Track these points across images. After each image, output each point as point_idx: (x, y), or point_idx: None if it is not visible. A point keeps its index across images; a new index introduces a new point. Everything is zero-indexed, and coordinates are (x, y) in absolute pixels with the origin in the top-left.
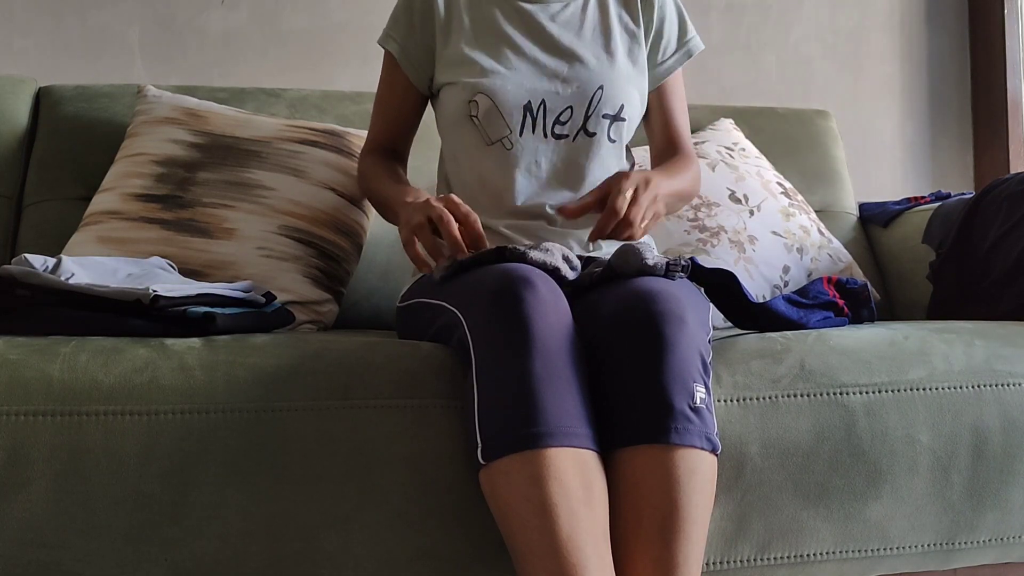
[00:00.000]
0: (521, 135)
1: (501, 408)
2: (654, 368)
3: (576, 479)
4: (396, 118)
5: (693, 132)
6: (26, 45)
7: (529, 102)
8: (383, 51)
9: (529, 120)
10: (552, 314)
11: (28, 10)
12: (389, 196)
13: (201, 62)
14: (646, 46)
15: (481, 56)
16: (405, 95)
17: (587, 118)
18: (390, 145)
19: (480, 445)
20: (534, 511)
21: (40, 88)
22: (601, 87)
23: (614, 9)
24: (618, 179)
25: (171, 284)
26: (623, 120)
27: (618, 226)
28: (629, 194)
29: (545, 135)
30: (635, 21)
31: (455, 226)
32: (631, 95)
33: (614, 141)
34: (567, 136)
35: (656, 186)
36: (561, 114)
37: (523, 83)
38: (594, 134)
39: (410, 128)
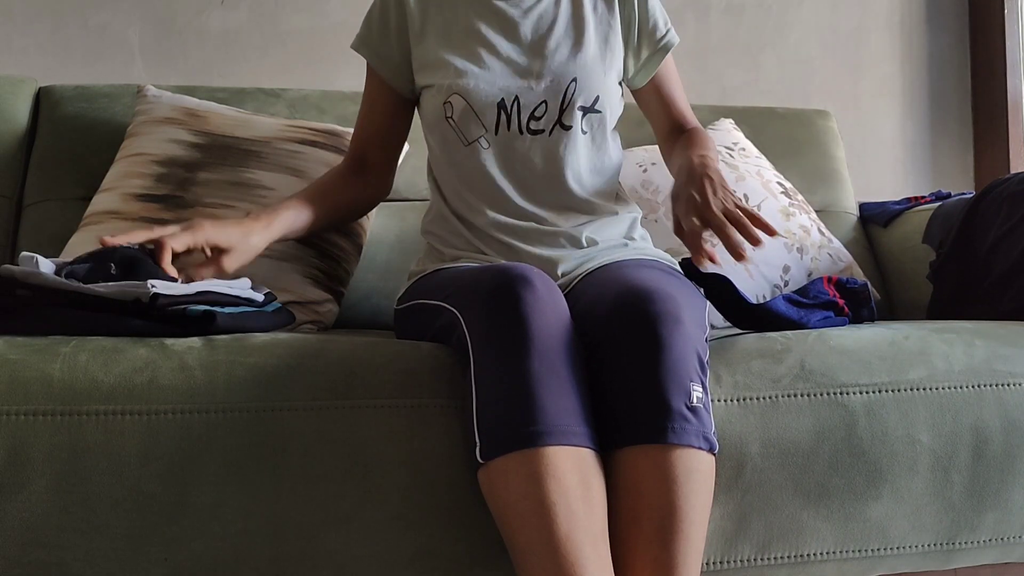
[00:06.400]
0: (497, 133)
1: (499, 407)
2: (650, 368)
3: (574, 477)
4: (371, 123)
5: None
6: (26, 45)
7: (503, 100)
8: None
9: (504, 118)
10: (550, 313)
11: (28, 10)
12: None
13: (201, 62)
14: (635, 34)
15: (454, 57)
16: (382, 98)
17: (562, 111)
18: (360, 154)
19: (478, 444)
20: (532, 510)
21: (40, 88)
22: (575, 79)
23: (588, 2)
24: (679, 197)
25: (171, 282)
26: (598, 112)
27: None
28: (698, 199)
29: (521, 131)
30: (612, 12)
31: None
32: (607, 86)
33: (585, 133)
34: (543, 131)
35: (707, 163)
36: (536, 109)
37: (496, 81)
38: (569, 127)
39: (386, 135)
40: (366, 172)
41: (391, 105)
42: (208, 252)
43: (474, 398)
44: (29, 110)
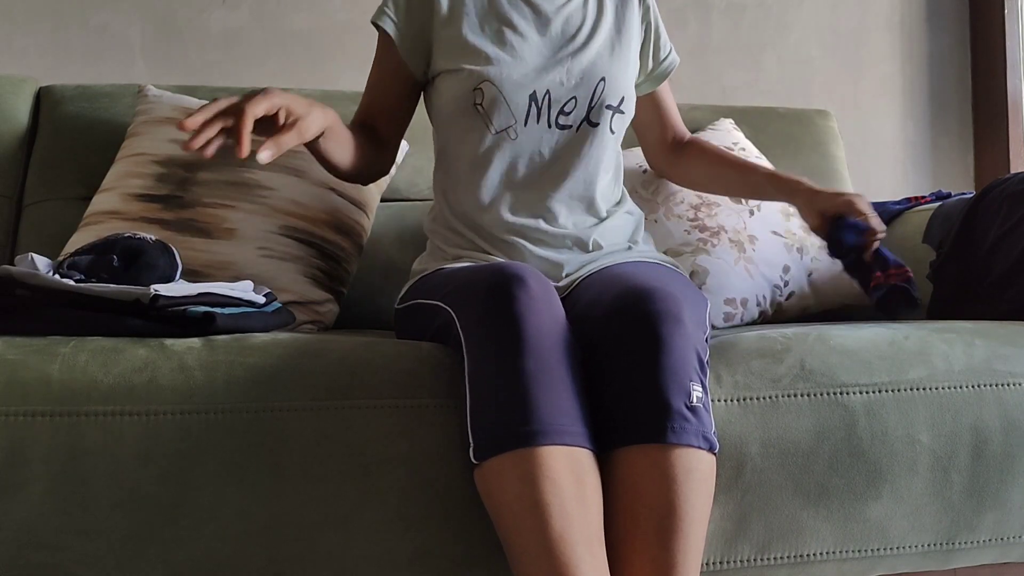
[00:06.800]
0: (526, 124)
1: (493, 407)
2: (650, 368)
3: (569, 477)
4: (381, 97)
5: (694, 132)
6: (26, 45)
7: (535, 91)
8: (375, 25)
9: (534, 110)
10: (545, 312)
11: (28, 10)
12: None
13: (202, 62)
14: (650, 45)
15: (486, 43)
16: (395, 76)
17: (591, 108)
18: (368, 124)
19: (472, 444)
20: (526, 510)
21: (40, 88)
22: (603, 79)
23: (610, 6)
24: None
25: (172, 284)
26: (623, 112)
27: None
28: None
29: (549, 125)
30: (629, 21)
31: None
32: (630, 89)
33: (614, 132)
34: (571, 127)
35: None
36: (566, 104)
37: (529, 72)
38: (597, 124)
39: (395, 111)
40: (375, 142)
41: (403, 82)
42: (282, 119)
43: (468, 397)
44: (29, 110)
